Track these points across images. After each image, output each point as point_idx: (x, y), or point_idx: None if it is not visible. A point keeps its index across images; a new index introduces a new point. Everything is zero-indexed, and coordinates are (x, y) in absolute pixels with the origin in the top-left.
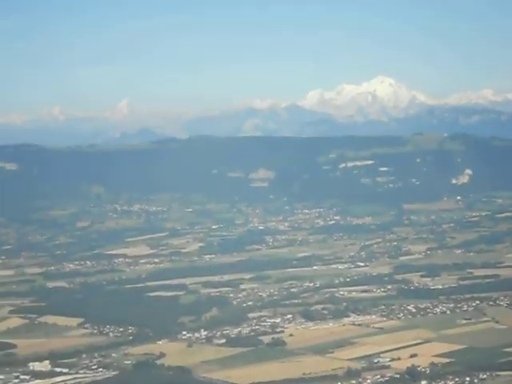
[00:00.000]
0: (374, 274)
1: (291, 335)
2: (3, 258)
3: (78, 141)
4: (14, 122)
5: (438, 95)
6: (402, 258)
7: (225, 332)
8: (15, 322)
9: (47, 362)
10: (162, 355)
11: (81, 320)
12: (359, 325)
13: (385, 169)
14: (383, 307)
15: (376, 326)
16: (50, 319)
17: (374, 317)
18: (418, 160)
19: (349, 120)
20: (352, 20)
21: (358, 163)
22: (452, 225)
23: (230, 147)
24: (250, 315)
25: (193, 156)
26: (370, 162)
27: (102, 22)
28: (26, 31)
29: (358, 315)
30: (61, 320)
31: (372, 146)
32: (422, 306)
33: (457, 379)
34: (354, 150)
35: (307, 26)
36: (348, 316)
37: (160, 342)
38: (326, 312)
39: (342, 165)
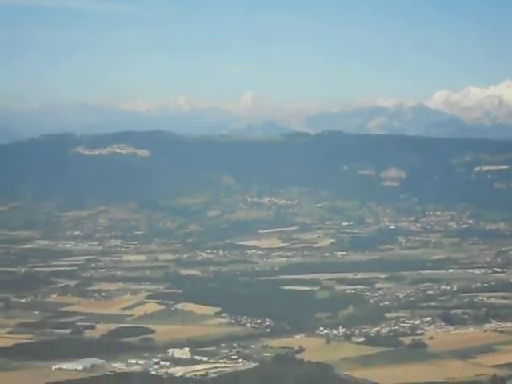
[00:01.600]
0: None
1: (431, 338)
2: (136, 243)
3: (202, 130)
4: (138, 109)
5: None
6: None
7: (363, 330)
8: (152, 307)
9: (187, 349)
10: (301, 350)
11: (217, 309)
12: (501, 331)
13: None
14: None
15: None
16: (187, 306)
17: None
18: None
19: (476, 122)
20: (480, 23)
21: (493, 167)
22: None
23: (361, 144)
24: (388, 315)
25: (323, 151)
26: (504, 167)
27: (233, 17)
28: (158, 20)
29: (500, 322)
30: (197, 308)
31: (506, 150)
32: None
33: None
34: (488, 153)
35: (435, 27)
36: (489, 322)
37: (297, 337)
38: (466, 317)
39: (477, 168)
